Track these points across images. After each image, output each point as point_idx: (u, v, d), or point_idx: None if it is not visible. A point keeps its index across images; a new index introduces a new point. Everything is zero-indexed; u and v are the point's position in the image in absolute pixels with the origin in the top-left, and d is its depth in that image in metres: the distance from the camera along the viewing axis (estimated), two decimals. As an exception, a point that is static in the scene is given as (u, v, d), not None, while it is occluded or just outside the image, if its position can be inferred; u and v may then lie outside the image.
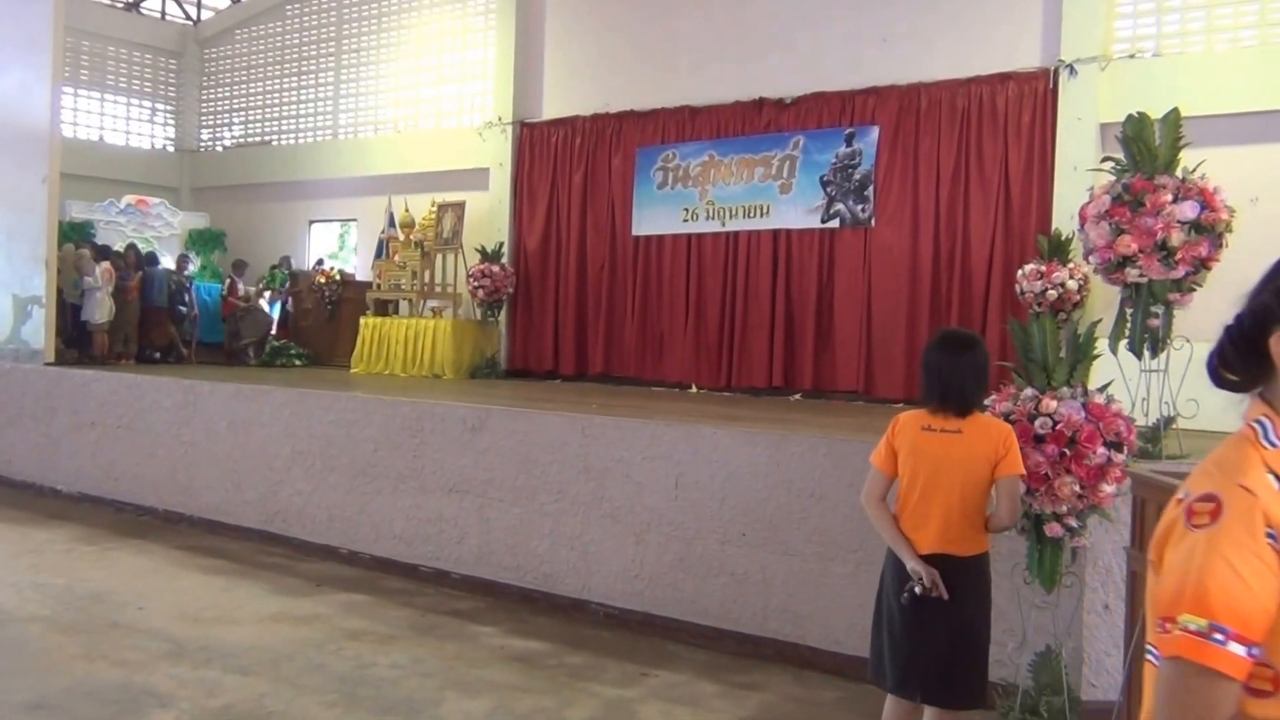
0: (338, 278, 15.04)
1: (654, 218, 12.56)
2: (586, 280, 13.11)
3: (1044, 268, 9.29)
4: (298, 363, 14.09)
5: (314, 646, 6.24)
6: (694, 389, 12.03)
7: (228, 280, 15.18)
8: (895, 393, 10.49)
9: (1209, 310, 7.86)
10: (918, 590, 3.81)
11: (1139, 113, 5.77)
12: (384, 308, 13.90)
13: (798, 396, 11.32)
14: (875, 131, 11.10)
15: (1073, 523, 4.62)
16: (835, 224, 11.32)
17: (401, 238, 13.72)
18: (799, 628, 6.23)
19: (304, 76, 16.85)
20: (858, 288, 11.15)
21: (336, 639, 6.41)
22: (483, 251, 13.12)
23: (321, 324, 14.79)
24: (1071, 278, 9.13)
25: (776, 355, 11.60)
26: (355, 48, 16.11)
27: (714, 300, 12.07)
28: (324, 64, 16.54)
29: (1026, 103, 10.27)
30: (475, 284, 13.01)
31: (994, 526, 4.02)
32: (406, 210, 13.81)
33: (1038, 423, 4.52)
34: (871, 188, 11.09)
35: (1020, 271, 9.50)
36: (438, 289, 13.53)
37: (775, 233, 11.70)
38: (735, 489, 6.54)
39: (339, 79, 16.32)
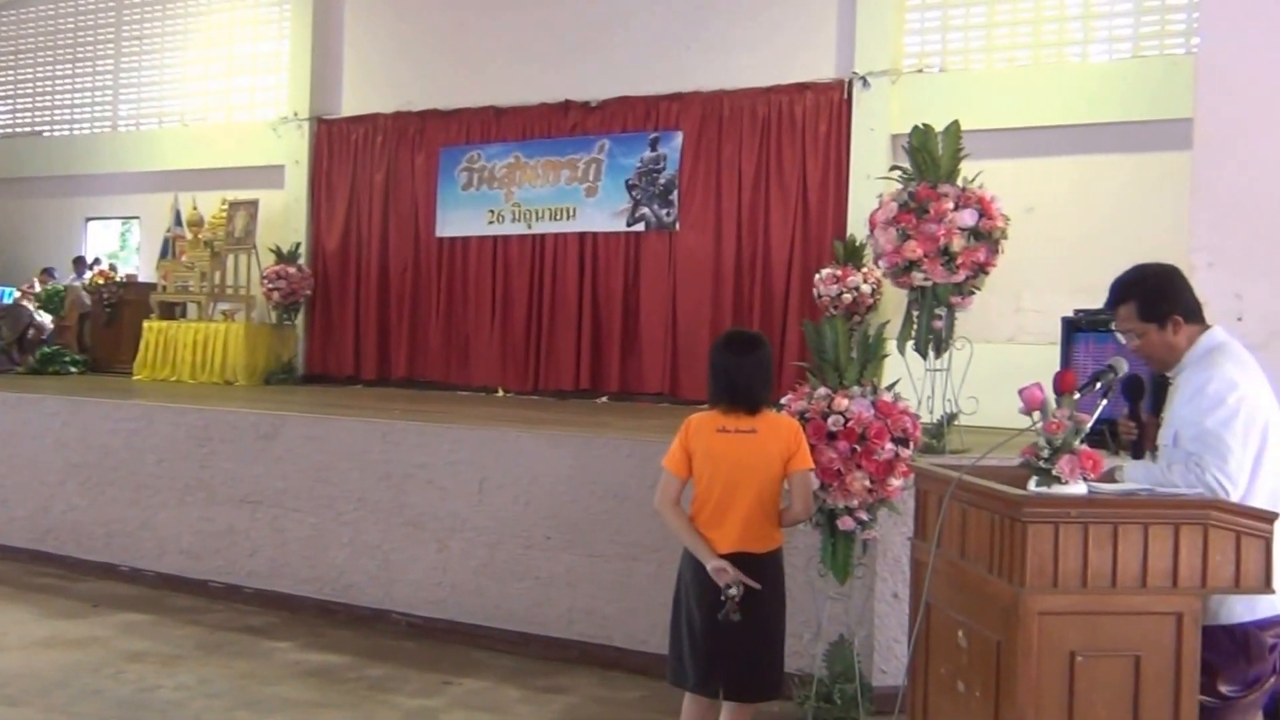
0: (117, 278, 14.22)
1: (458, 219, 12.41)
2: (389, 282, 12.84)
3: (839, 272, 9.63)
4: (73, 369, 13.19)
5: (90, 671, 5.87)
6: (501, 393, 11.94)
7: None
8: (700, 394, 10.58)
9: (987, 311, 8.32)
10: (733, 592, 3.84)
11: (924, 124, 6.03)
12: (170, 310, 13.22)
13: (605, 399, 11.38)
14: (679, 137, 11.28)
15: (864, 516, 4.78)
16: (640, 228, 11.45)
17: (189, 237, 13.10)
18: (604, 629, 6.24)
19: (80, 63, 15.83)
20: (663, 291, 11.30)
21: (115, 662, 6.05)
22: (278, 252, 12.67)
23: (100, 328, 13.96)
24: (865, 282, 9.50)
25: (583, 358, 11.64)
26: (138, 34, 15.26)
27: (520, 303, 12.02)
28: (102, 50, 15.59)
29: (823, 112, 10.62)
30: (270, 286, 12.55)
31: (789, 520, 4.11)
32: (194, 208, 13.18)
33: (830, 420, 4.66)
34: (676, 192, 11.26)
35: (818, 275, 9.82)
36: (229, 291, 12.96)
37: (581, 235, 11.75)
38: (540, 492, 6.51)
39: (119, 67, 15.41)
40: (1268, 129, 6.08)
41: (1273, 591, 2.94)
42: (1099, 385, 3.41)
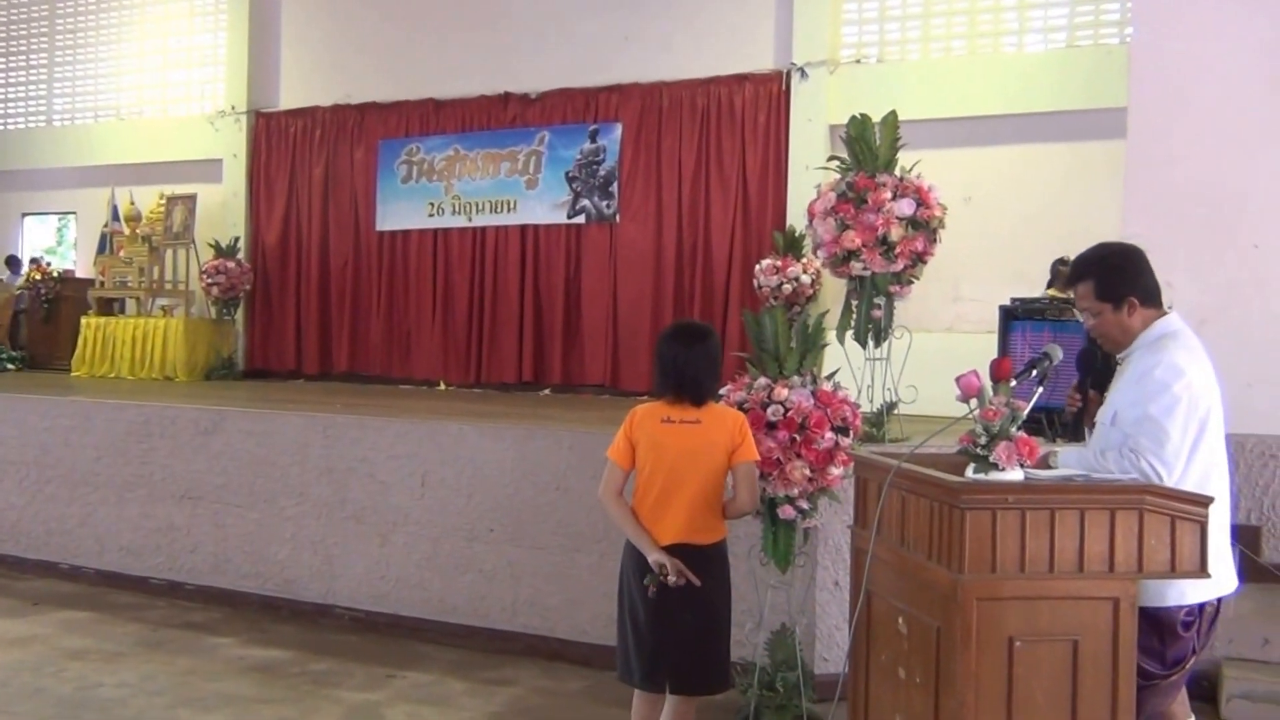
0: (54, 274, 13.95)
1: (398, 212, 12.32)
2: (329, 276, 12.72)
3: (780, 262, 9.69)
4: (10, 366, 12.98)
5: (30, 670, 5.79)
6: (443, 386, 11.88)
7: None
8: (641, 385, 10.66)
9: (926, 301, 8.42)
10: (671, 580, 3.83)
11: (861, 114, 6.07)
12: (108, 306, 13.03)
13: (547, 391, 11.37)
14: (618, 128, 11.27)
15: (804, 505, 4.81)
16: (581, 220, 11.43)
17: (127, 232, 12.89)
18: (547, 620, 6.25)
19: (13, 57, 15.48)
20: (604, 283, 11.30)
21: (56, 660, 5.97)
22: (216, 246, 12.50)
23: (37, 324, 13.68)
24: (805, 272, 9.56)
25: (526, 350, 11.62)
26: (71, 28, 14.95)
27: (462, 296, 11.97)
28: (36, 44, 15.24)
29: (762, 104, 10.66)
30: (209, 281, 12.39)
31: (734, 512, 4.10)
32: (132, 203, 12.97)
33: (770, 410, 4.68)
34: (616, 184, 11.25)
35: (758, 266, 9.87)
36: (167, 286, 12.78)
37: (522, 228, 11.72)
38: (482, 485, 6.50)
39: (53, 61, 15.09)
40: (1199, 118, 6.20)
41: (1208, 575, 2.98)
42: (1034, 373, 3.45)
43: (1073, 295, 3.57)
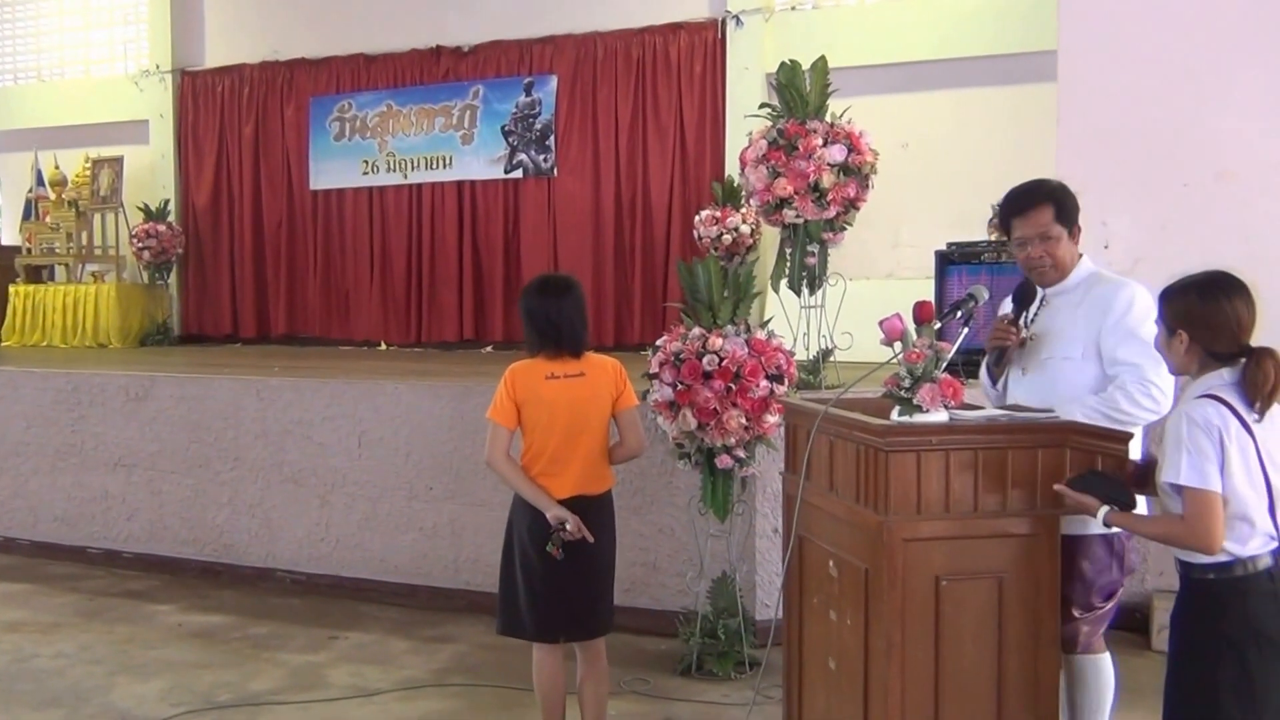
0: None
1: (332, 171, 12.11)
2: (264, 238, 12.48)
3: (719, 213, 9.63)
4: (-64, 338, 12.68)
5: (-37, 645, 5.71)
6: (383, 346, 11.76)
7: None
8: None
9: (860, 247, 8.37)
10: (568, 529, 3.84)
11: (791, 60, 6.00)
12: (36, 274, 12.73)
13: (490, 348, 11.29)
14: (554, 81, 11.13)
15: (741, 453, 4.83)
16: (519, 174, 11.31)
17: (52, 197, 12.55)
18: (490, 576, 6.10)
19: (-76, 18, 14.98)
20: (543, 237, 11.20)
21: (-11, 633, 5.89)
22: (146, 210, 12.22)
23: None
24: (744, 222, 9.51)
25: (466, 308, 11.52)
26: (-16, -13, 14.49)
27: (400, 254, 11.82)
28: (-52, 4, 14.78)
29: (698, 53, 10.55)
30: (140, 245, 12.12)
31: (622, 457, 4.12)
32: (56, 167, 12.63)
33: (705, 360, 4.68)
34: (552, 137, 11.13)
35: (697, 217, 9.82)
36: (97, 251, 12.50)
37: (459, 184, 11.57)
38: (421, 443, 6.45)
39: (-34, 21, 14.64)
40: (1127, 60, 6.20)
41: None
42: (959, 314, 3.45)
43: (1015, 226, 3.48)
